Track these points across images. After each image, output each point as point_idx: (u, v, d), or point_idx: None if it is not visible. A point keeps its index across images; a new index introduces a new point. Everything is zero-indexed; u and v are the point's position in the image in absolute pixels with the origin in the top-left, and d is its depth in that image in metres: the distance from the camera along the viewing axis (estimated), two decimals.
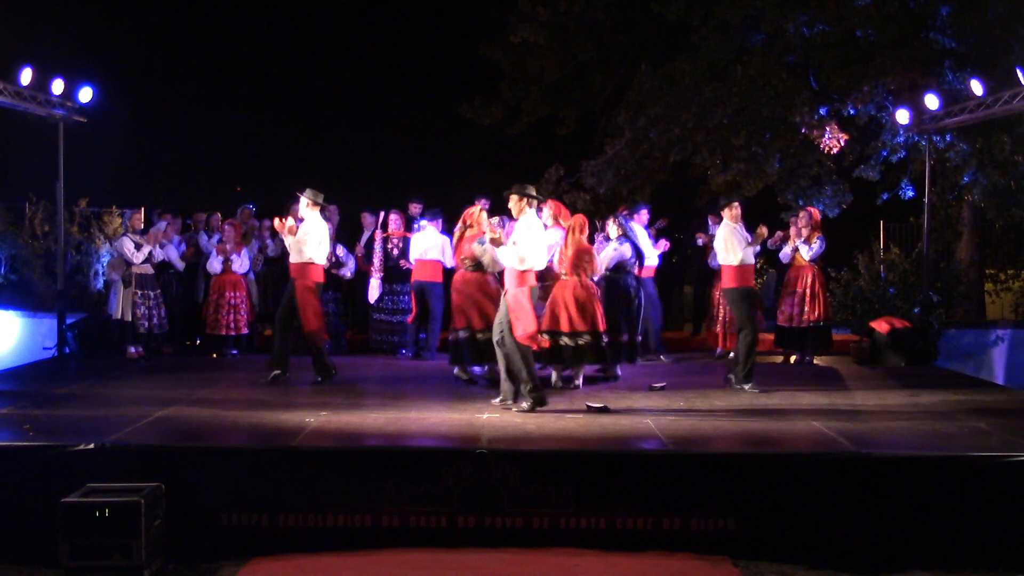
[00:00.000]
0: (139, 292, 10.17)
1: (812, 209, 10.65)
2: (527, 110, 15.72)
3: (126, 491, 5.39)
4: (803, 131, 13.12)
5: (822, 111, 13.16)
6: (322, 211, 8.82)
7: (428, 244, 10.20)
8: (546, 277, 8.19)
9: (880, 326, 10.43)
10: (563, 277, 8.25)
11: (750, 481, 5.69)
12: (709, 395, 8.07)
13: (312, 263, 8.53)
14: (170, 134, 17.83)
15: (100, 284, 11.85)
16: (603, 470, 5.75)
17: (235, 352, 10.67)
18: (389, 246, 10.76)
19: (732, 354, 10.18)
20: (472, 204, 9.07)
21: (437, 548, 5.58)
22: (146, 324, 10.19)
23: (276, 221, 8.65)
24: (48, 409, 7.07)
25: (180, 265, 10.68)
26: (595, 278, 8.46)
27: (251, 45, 19.32)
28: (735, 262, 8.40)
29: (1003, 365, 11.77)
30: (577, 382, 8.41)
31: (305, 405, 7.34)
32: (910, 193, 13.24)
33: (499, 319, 7.32)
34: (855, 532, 5.60)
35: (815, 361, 10.41)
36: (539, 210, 8.14)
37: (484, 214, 8.67)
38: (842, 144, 13.04)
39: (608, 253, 8.81)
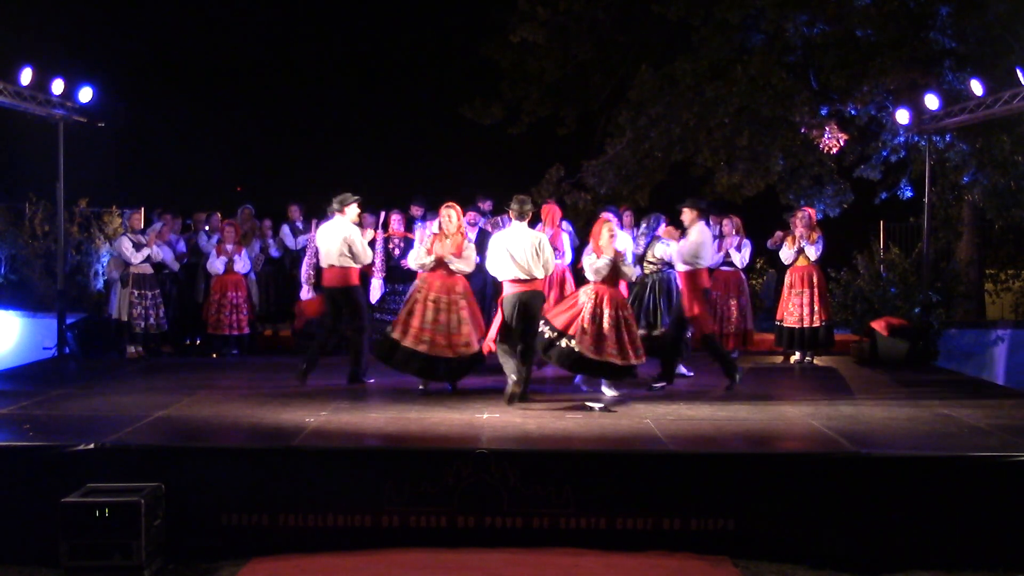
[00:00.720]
0: (136, 292, 10.17)
1: (809, 209, 10.65)
2: (527, 110, 15.72)
3: (126, 491, 5.40)
4: (803, 131, 13.13)
5: (822, 111, 13.17)
6: (336, 214, 8.59)
7: None
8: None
9: (880, 326, 10.43)
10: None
11: (750, 481, 5.69)
12: (709, 395, 8.07)
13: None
14: (170, 134, 17.83)
15: (100, 284, 11.85)
16: (603, 470, 5.75)
17: (235, 352, 10.67)
18: (391, 246, 10.76)
19: (735, 354, 10.25)
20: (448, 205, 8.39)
21: (437, 548, 5.58)
22: (142, 324, 10.19)
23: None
24: (48, 409, 7.08)
25: (175, 265, 10.69)
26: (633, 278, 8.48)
27: (251, 45, 19.29)
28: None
29: (1003, 365, 11.77)
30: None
31: (305, 405, 7.34)
32: (910, 193, 13.25)
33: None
34: (855, 532, 5.60)
35: (815, 361, 10.41)
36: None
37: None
38: (842, 144, 13.05)
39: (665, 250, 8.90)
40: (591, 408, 7.24)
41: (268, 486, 5.72)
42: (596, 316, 7.60)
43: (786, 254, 10.29)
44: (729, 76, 13.32)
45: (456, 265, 7.88)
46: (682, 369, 9.04)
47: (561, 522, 5.65)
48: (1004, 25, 11.72)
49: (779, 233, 10.48)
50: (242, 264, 10.63)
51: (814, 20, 12.79)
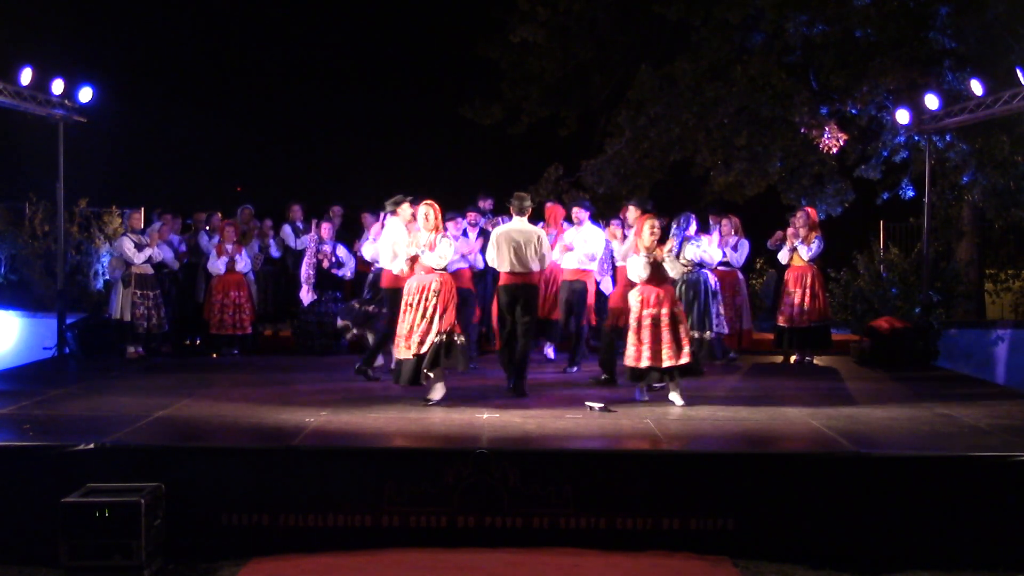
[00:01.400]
0: (138, 292, 10.17)
1: (809, 209, 10.64)
2: (527, 110, 15.73)
3: (126, 491, 5.39)
4: (803, 131, 13.13)
5: (822, 111, 13.17)
6: (390, 215, 8.54)
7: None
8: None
9: (880, 326, 10.43)
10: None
11: (750, 481, 5.69)
12: (709, 395, 8.07)
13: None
14: (170, 134, 17.81)
15: (100, 284, 11.86)
16: (603, 470, 5.74)
17: (235, 352, 10.67)
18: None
19: (732, 355, 10.24)
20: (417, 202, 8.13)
21: (437, 548, 5.58)
22: (145, 324, 10.19)
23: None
24: (48, 409, 7.07)
25: (175, 265, 10.69)
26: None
27: (251, 45, 19.30)
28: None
29: (1003, 365, 11.78)
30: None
31: (305, 405, 7.34)
32: (910, 193, 13.25)
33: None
34: (855, 532, 5.60)
35: (815, 361, 10.40)
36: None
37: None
38: (841, 144, 13.05)
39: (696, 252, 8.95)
40: (591, 408, 7.24)
41: (268, 486, 5.72)
42: (655, 321, 7.42)
43: (782, 254, 10.29)
44: (729, 76, 13.33)
45: (426, 258, 7.62)
46: None
47: (561, 522, 5.65)
48: (1004, 25, 11.72)
49: (779, 233, 10.48)
50: (243, 264, 10.63)
51: (814, 20, 12.79)
